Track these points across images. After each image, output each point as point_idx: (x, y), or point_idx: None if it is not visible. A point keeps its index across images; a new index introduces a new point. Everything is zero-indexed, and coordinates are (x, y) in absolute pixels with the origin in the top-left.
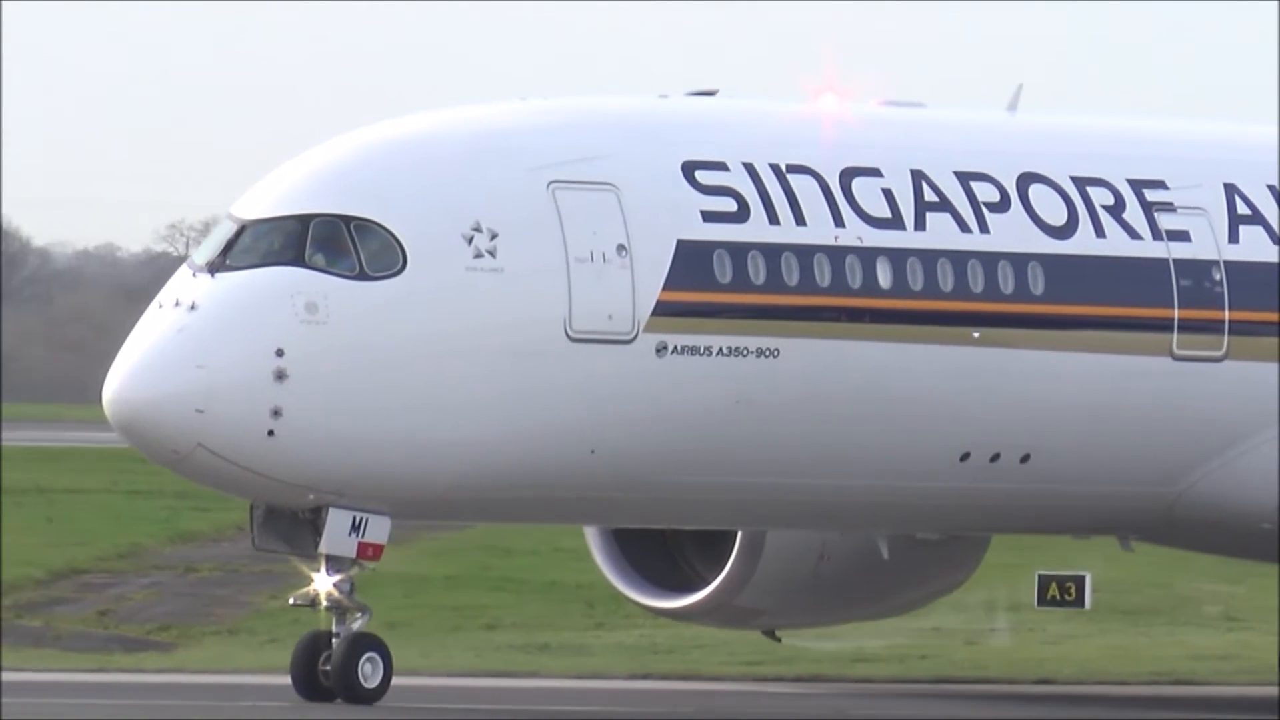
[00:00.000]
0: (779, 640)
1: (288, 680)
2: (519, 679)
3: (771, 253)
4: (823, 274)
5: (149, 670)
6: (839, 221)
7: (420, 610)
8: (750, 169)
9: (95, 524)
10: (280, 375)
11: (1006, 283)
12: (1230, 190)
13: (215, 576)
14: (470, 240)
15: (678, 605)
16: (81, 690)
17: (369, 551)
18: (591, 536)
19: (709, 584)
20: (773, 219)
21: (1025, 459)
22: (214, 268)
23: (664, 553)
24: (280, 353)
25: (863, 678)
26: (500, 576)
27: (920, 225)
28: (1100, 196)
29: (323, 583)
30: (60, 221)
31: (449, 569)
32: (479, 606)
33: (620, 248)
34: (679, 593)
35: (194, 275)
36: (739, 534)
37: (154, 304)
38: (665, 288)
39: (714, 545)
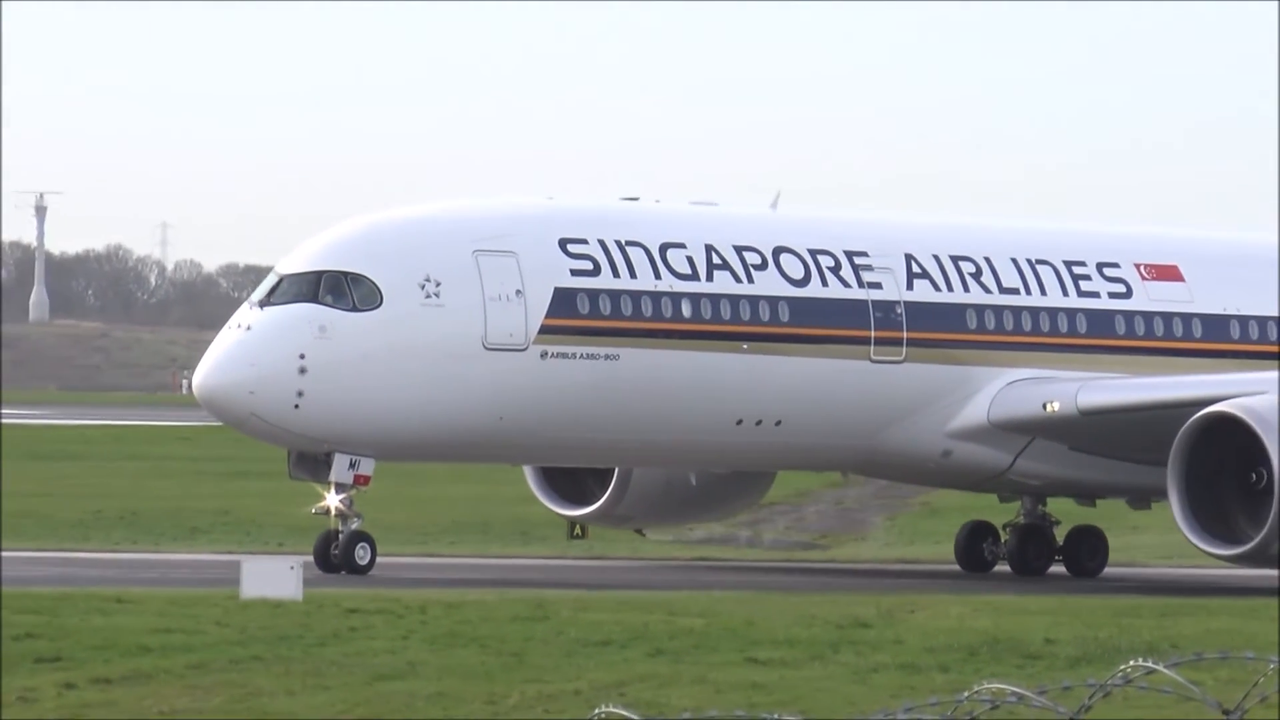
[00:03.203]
0: (645, 536)
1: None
2: None
3: (614, 295)
4: (647, 308)
5: (812, 561)
6: (658, 276)
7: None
8: (602, 243)
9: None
10: (303, 370)
11: (765, 314)
12: (908, 258)
13: (854, 506)
14: (423, 287)
15: (580, 513)
16: (772, 571)
17: (361, 480)
18: (527, 471)
19: (599, 499)
20: (615, 274)
21: (779, 423)
22: (263, 304)
23: (573, 479)
24: (302, 356)
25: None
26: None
27: (710, 278)
28: (826, 261)
29: (332, 500)
30: None
31: None
32: None
33: (518, 291)
34: (581, 505)
35: (250, 308)
36: (617, 468)
37: (226, 326)
38: (546, 317)
39: (603, 474)
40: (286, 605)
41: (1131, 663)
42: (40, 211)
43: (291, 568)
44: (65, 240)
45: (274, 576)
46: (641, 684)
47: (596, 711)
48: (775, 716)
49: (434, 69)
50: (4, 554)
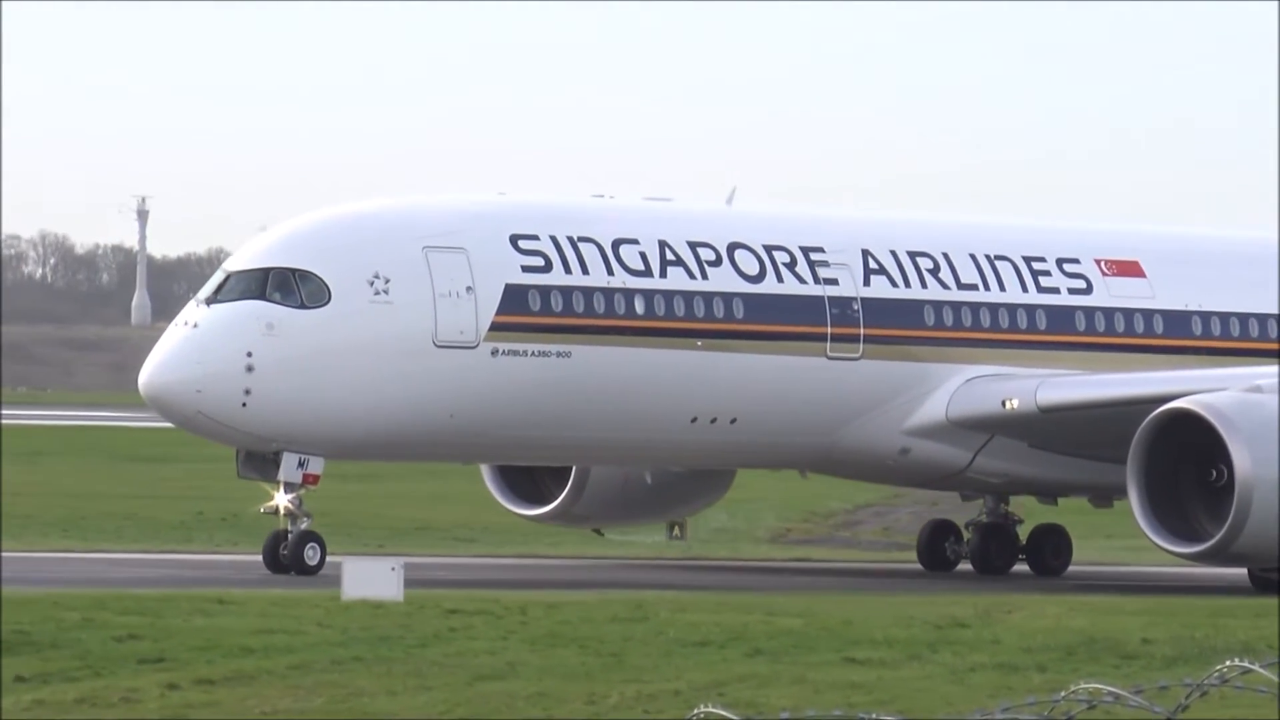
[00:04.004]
0: (603, 535)
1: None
2: None
3: (566, 291)
4: (600, 305)
5: (908, 562)
6: (610, 272)
7: None
8: (554, 239)
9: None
10: (250, 369)
11: (719, 311)
12: (865, 253)
13: (948, 507)
14: (372, 284)
15: (538, 513)
16: (870, 573)
17: (310, 480)
18: (483, 470)
19: (556, 499)
20: (567, 270)
21: (734, 421)
22: (209, 301)
23: (530, 479)
24: (250, 354)
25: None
26: None
27: (664, 275)
28: (781, 257)
29: (281, 499)
30: None
31: None
32: None
33: (468, 288)
34: (539, 505)
35: (197, 306)
36: (574, 468)
37: (173, 323)
38: (497, 314)
39: (560, 474)
40: (387, 606)
41: (1228, 662)
42: (142, 215)
43: (392, 569)
44: (166, 244)
45: (375, 577)
46: (740, 684)
47: (695, 711)
48: (873, 716)
49: (433, 67)
50: (108, 555)
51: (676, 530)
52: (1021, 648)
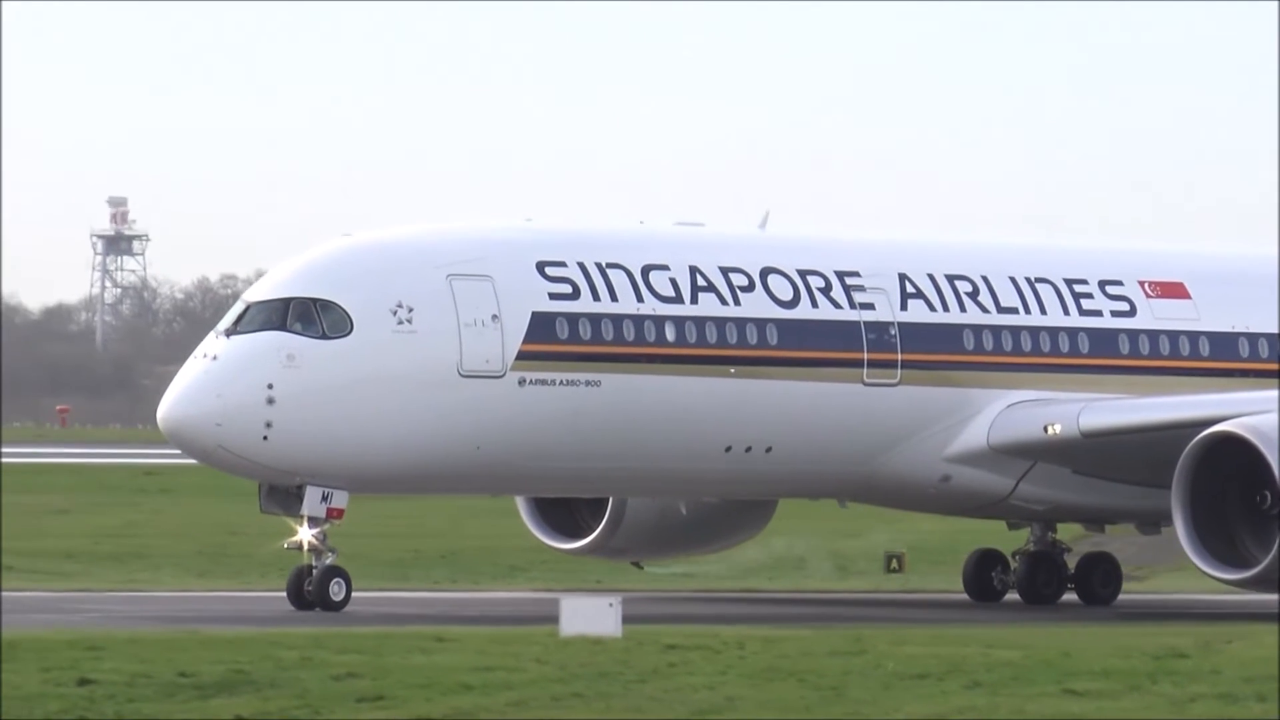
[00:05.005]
0: (642, 568)
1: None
2: None
3: (595, 319)
4: (629, 332)
5: (1129, 592)
6: (640, 299)
7: None
8: (581, 265)
9: None
10: (271, 401)
11: (752, 337)
12: (902, 277)
13: (1171, 536)
14: (395, 313)
15: (574, 546)
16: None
17: (335, 514)
18: (519, 503)
19: (593, 532)
20: (596, 298)
21: (769, 450)
22: (229, 332)
23: (566, 511)
24: (270, 386)
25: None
26: None
27: (695, 301)
28: (816, 281)
29: (305, 534)
30: None
31: None
32: None
33: (494, 316)
34: (575, 538)
35: (216, 337)
36: (611, 499)
37: (192, 355)
38: (524, 342)
39: (597, 506)
40: (606, 642)
41: None
42: None
43: (610, 605)
44: None
45: (593, 614)
46: (959, 716)
47: None
48: None
49: (460, 90)
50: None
51: (894, 563)
52: (1242, 678)
